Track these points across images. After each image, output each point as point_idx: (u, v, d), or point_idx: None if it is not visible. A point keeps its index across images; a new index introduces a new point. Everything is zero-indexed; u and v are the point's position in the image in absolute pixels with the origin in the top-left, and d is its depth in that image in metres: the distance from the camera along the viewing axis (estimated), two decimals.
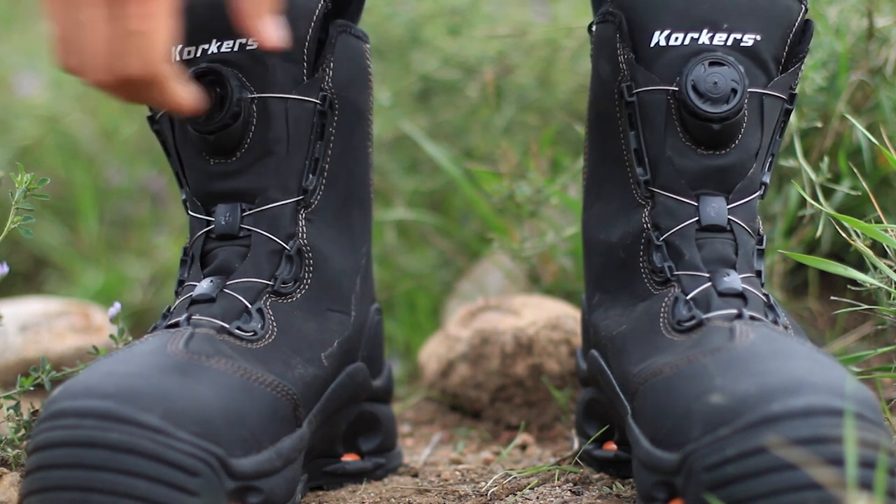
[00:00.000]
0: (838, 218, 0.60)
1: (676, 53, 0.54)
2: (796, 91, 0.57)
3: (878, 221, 0.59)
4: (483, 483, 0.59)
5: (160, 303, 1.07)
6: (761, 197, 0.57)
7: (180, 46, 0.53)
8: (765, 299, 0.53)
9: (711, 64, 0.53)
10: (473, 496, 0.57)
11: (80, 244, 1.15)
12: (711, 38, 0.54)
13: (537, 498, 0.56)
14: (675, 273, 0.53)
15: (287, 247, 0.55)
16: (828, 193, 0.68)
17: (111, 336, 0.59)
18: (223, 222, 0.55)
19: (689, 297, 0.52)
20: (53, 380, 0.56)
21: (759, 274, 0.55)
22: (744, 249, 0.54)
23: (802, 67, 0.58)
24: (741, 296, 0.52)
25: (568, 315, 0.72)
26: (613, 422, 0.57)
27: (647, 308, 0.54)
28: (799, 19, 0.55)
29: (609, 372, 0.55)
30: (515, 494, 0.57)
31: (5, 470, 0.53)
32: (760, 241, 0.56)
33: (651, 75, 0.54)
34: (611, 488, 0.56)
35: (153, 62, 0.45)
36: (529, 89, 0.91)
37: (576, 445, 0.64)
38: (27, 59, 1.34)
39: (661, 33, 0.54)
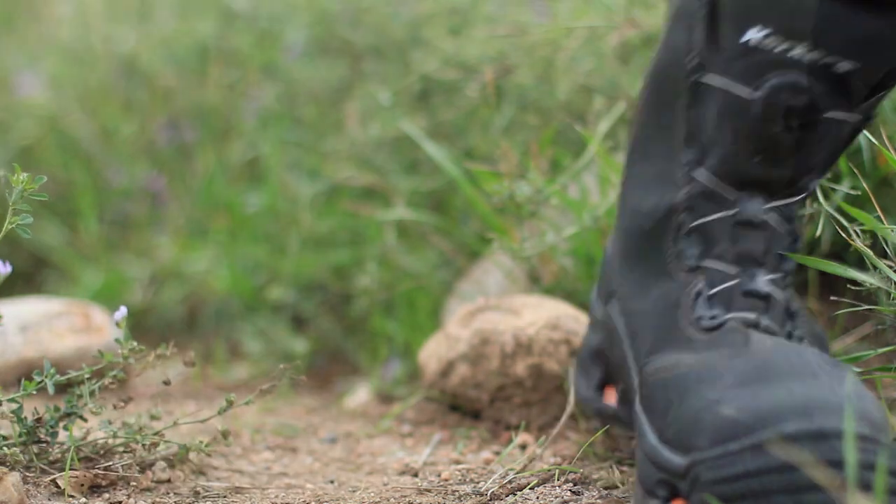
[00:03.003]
0: (845, 209, 0.60)
1: (764, 58, 0.51)
2: (873, 116, 0.55)
3: (879, 221, 0.59)
4: (483, 483, 0.59)
5: (160, 303, 1.07)
6: (803, 202, 0.56)
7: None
8: (786, 305, 0.53)
9: (793, 82, 0.50)
10: (473, 496, 0.57)
11: (79, 244, 1.15)
12: (803, 55, 0.50)
13: (537, 498, 0.56)
14: (702, 264, 0.53)
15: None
16: (827, 193, 0.68)
17: (116, 340, 0.59)
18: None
19: (711, 294, 0.51)
20: (57, 384, 0.56)
21: (787, 274, 0.54)
22: (776, 249, 0.54)
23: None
24: (765, 298, 0.52)
25: (568, 315, 0.72)
26: (618, 378, 0.58)
27: (666, 292, 0.54)
28: None
29: (624, 341, 0.56)
30: (515, 494, 0.57)
31: (5, 470, 0.53)
32: (795, 241, 0.55)
33: (730, 69, 0.52)
34: (610, 491, 0.56)
35: None
36: (529, 89, 0.91)
37: (571, 397, 0.65)
38: (27, 60, 1.34)
39: (759, 31, 0.50)
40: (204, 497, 0.59)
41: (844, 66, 0.50)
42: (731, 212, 0.53)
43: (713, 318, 0.50)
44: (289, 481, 0.64)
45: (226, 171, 1.12)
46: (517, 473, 0.59)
